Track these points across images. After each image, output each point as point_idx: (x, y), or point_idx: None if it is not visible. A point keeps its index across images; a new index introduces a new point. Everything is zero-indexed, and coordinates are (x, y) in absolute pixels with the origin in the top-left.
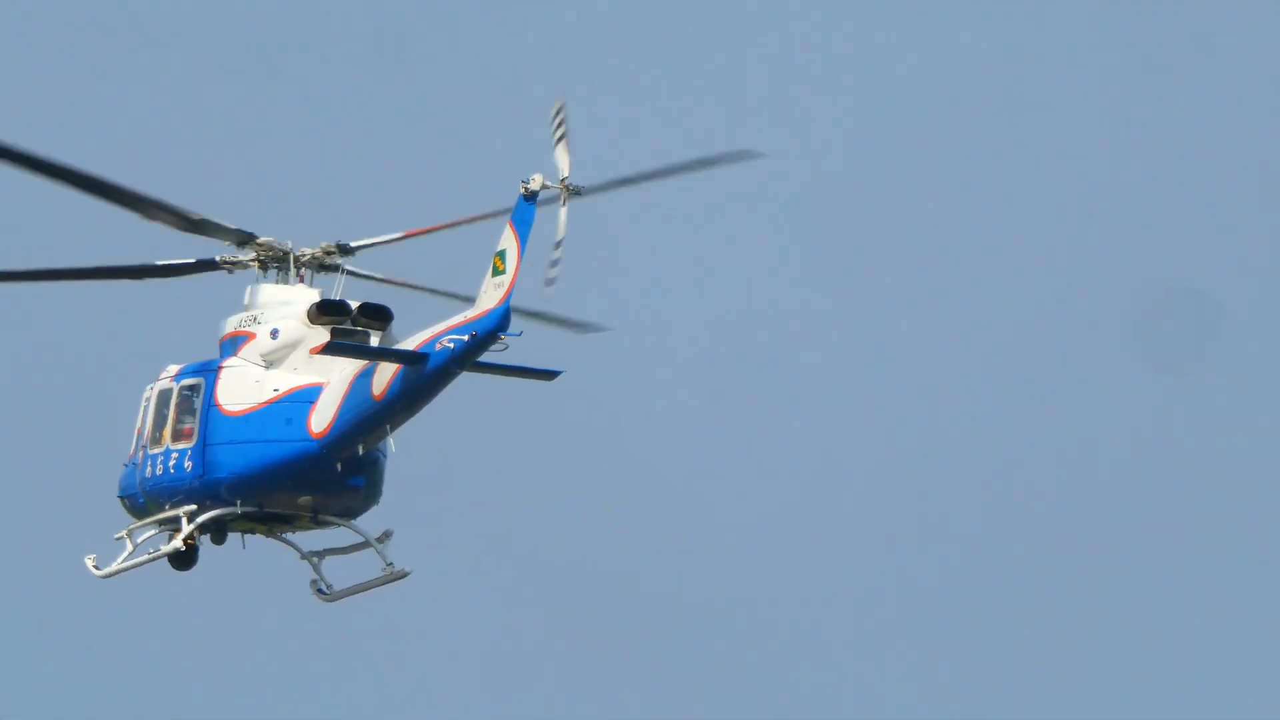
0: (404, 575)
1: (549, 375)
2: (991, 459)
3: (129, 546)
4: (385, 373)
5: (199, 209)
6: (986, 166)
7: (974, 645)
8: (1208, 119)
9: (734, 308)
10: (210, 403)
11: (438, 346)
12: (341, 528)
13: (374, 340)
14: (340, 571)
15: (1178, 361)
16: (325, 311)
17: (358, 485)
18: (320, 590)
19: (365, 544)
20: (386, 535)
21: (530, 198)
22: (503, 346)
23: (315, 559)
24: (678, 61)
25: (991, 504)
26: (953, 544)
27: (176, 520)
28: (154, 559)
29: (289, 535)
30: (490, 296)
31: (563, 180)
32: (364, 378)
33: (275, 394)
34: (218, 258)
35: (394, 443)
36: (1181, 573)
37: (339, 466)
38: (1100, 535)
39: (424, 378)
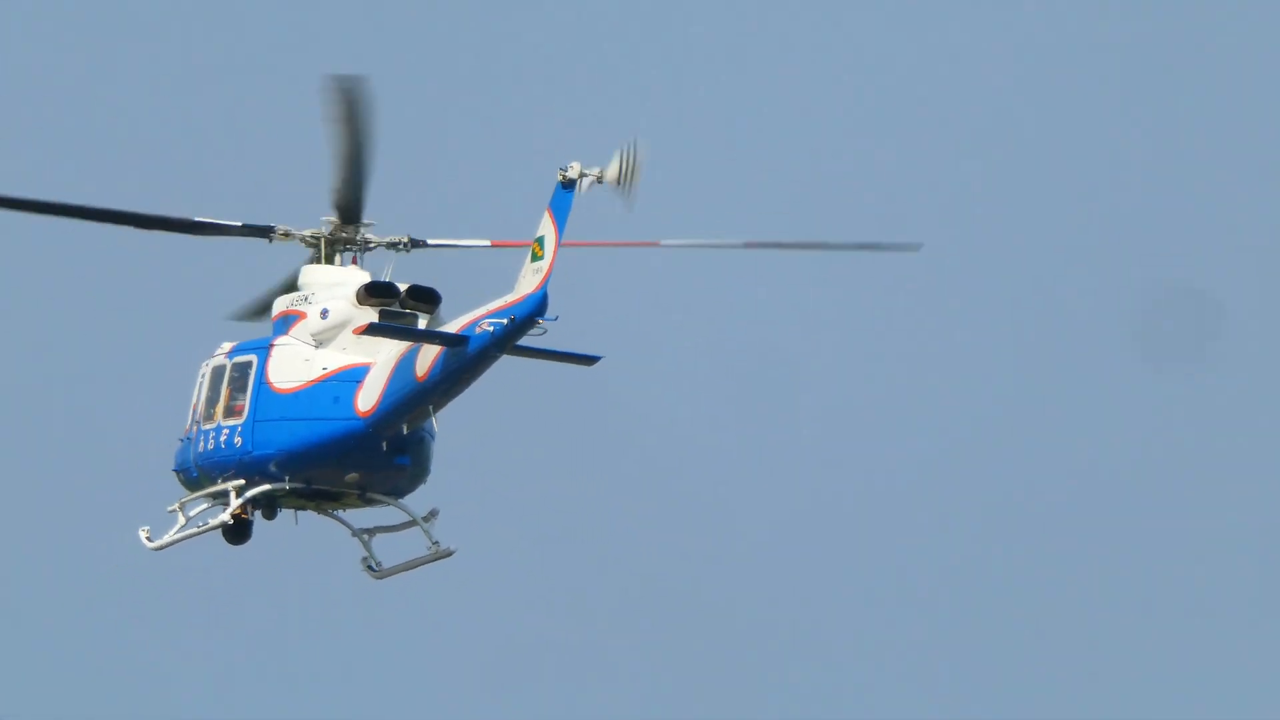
0: (449, 554)
1: (588, 360)
2: (991, 460)
3: (181, 519)
4: (428, 354)
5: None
6: (986, 166)
7: (973, 644)
8: (1207, 119)
9: (739, 307)
10: (261, 380)
11: (478, 330)
12: (389, 506)
13: (421, 323)
14: (389, 549)
15: (1178, 361)
16: (374, 293)
17: (403, 464)
18: (370, 567)
19: (412, 523)
20: (433, 514)
21: (568, 185)
22: (540, 331)
23: (365, 536)
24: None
25: (991, 505)
26: (952, 544)
27: (226, 494)
28: (203, 532)
29: (339, 513)
30: (528, 282)
31: (599, 172)
32: (408, 359)
33: (324, 373)
34: (275, 226)
35: (436, 424)
36: (1182, 573)
37: (384, 445)
38: (1100, 536)
39: (465, 360)
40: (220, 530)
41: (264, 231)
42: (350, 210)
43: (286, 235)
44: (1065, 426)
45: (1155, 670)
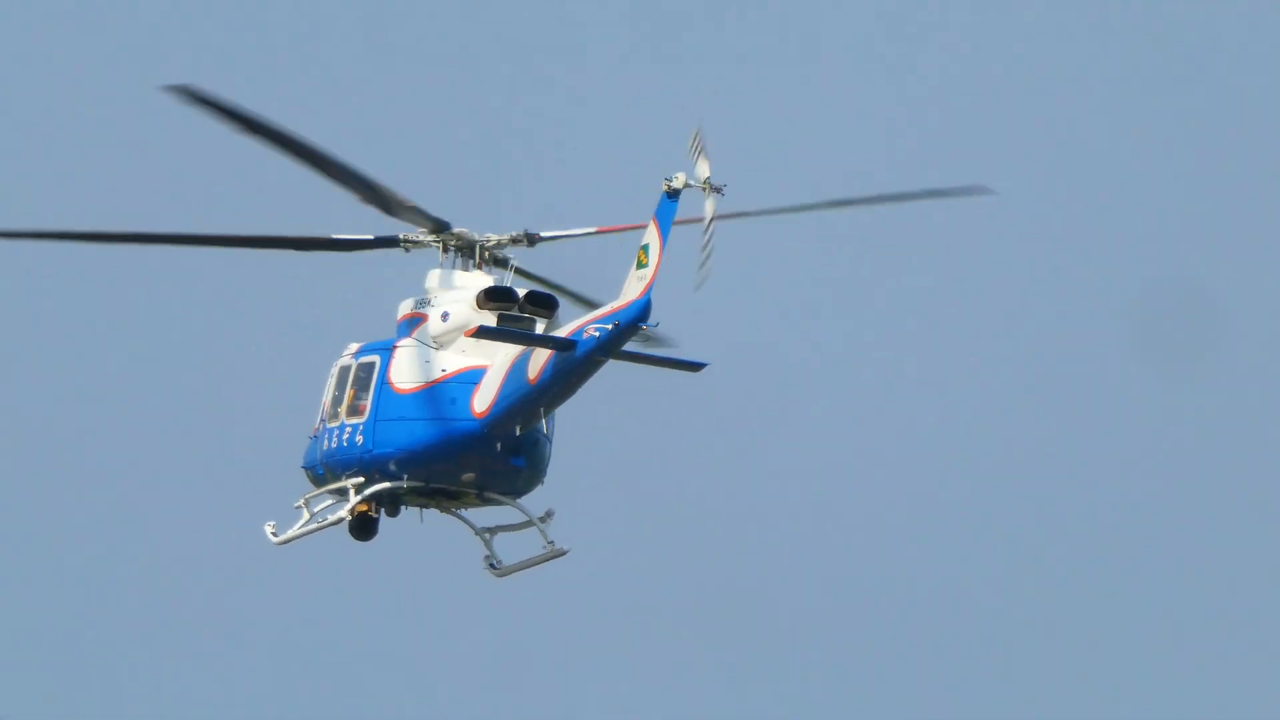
0: (563, 553)
1: (695, 367)
2: (993, 461)
3: (305, 515)
4: (539, 358)
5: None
6: (984, 166)
7: (973, 643)
8: (1207, 119)
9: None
10: (383, 380)
11: (585, 335)
12: (507, 506)
13: (539, 327)
14: (509, 548)
15: (1178, 361)
16: (492, 298)
17: (519, 465)
18: (492, 565)
19: (529, 523)
20: (548, 515)
21: (673, 195)
22: (644, 337)
23: (487, 535)
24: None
25: (992, 505)
26: (952, 545)
27: (347, 491)
28: (324, 527)
29: (462, 512)
30: (633, 288)
31: (705, 180)
32: (521, 362)
33: (443, 374)
34: (401, 236)
35: (547, 427)
36: (1182, 573)
37: (499, 446)
38: (1100, 536)
39: (572, 364)
40: (347, 526)
41: (393, 242)
42: (396, 209)
43: (416, 243)
44: (1066, 426)
45: (1155, 670)
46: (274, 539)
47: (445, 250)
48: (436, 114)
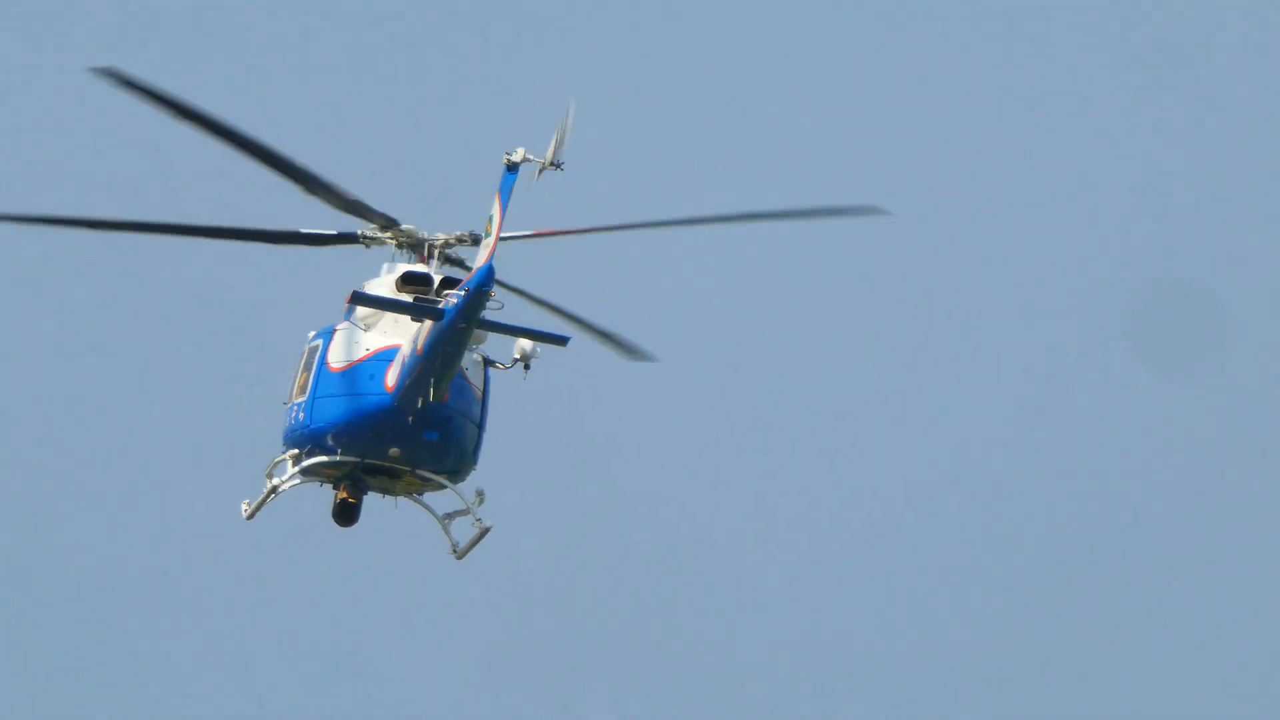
0: (488, 529)
1: (560, 341)
2: (993, 462)
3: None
4: (424, 330)
5: (354, 191)
6: (985, 167)
7: (970, 643)
8: (1208, 118)
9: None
10: (322, 361)
11: (449, 303)
12: (445, 488)
13: None
14: (463, 532)
15: (1178, 361)
16: (409, 281)
17: (431, 439)
18: (453, 549)
19: (466, 509)
20: (479, 495)
21: (511, 169)
22: (498, 305)
23: (445, 521)
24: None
25: (993, 506)
26: (951, 545)
27: (300, 465)
28: (272, 493)
29: (425, 498)
30: (479, 257)
31: (548, 159)
32: (416, 336)
33: (366, 353)
34: (359, 233)
35: (478, 410)
36: (1183, 573)
37: (410, 420)
38: (1101, 537)
39: (442, 332)
40: (330, 513)
41: (353, 238)
42: (353, 210)
43: (373, 240)
44: (1066, 426)
45: (1154, 671)
46: (244, 514)
47: (399, 247)
48: (398, 116)
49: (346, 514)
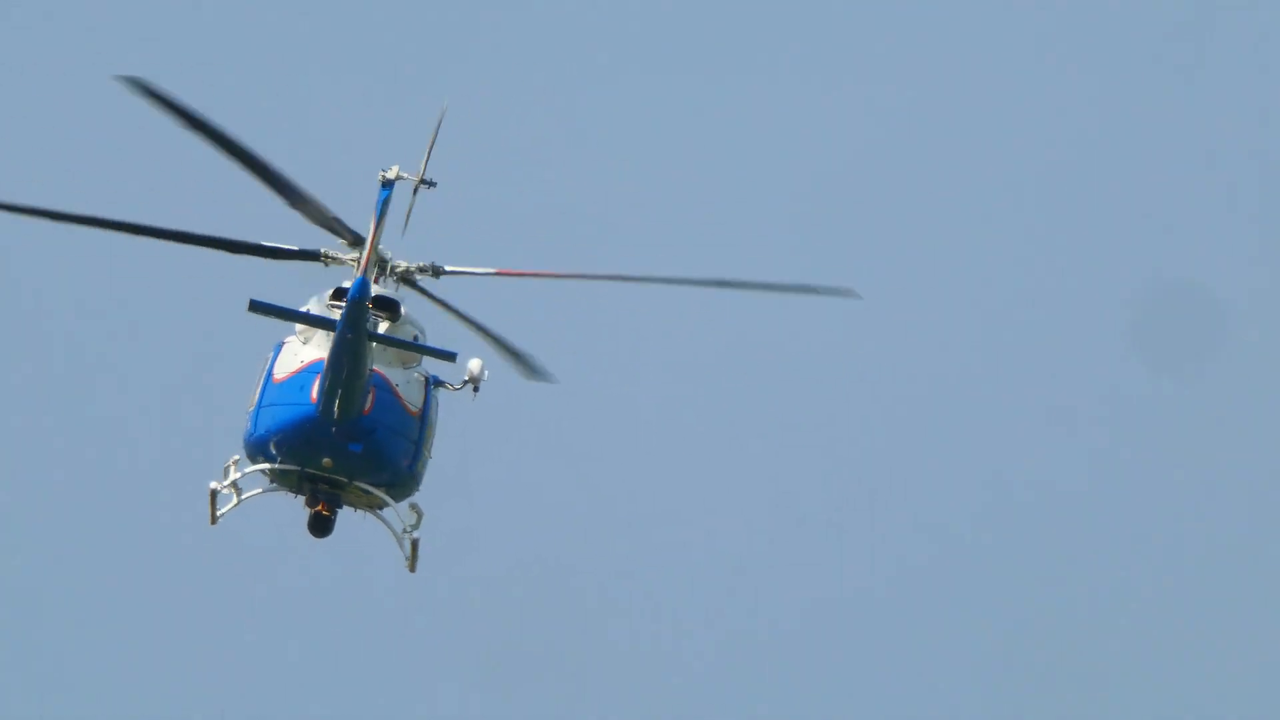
0: (416, 542)
1: (448, 356)
2: (993, 462)
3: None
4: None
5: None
6: (985, 167)
7: (969, 643)
8: (1208, 119)
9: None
10: (269, 372)
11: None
12: (384, 503)
13: (381, 328)
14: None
15: (1178, 361)
16: (338, 297)
17: (355, 450)
18: (407, 562)
19: (402, 525)
20: (413, 510)
21: (385, 185)
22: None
23: (401, 536)
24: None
25: (992, 507)
26: (949, 546)
27: (243, 470)
28: (215, 495)
29: (385, 513)
30: (356, 270)
31: (420, 177)
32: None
33: (301, 364)
34: (321, 251)
35: (407, 425)
36: (1182, 574)
37: (333, 430)
38: (1101, 537)
39: (337, 344)
40: (306, 525)
41: (315, 255)
42: (329, 226)
43: (335, 259)
44: (1066, 426)
45: (1154, 670)
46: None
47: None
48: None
49: (318, 526)
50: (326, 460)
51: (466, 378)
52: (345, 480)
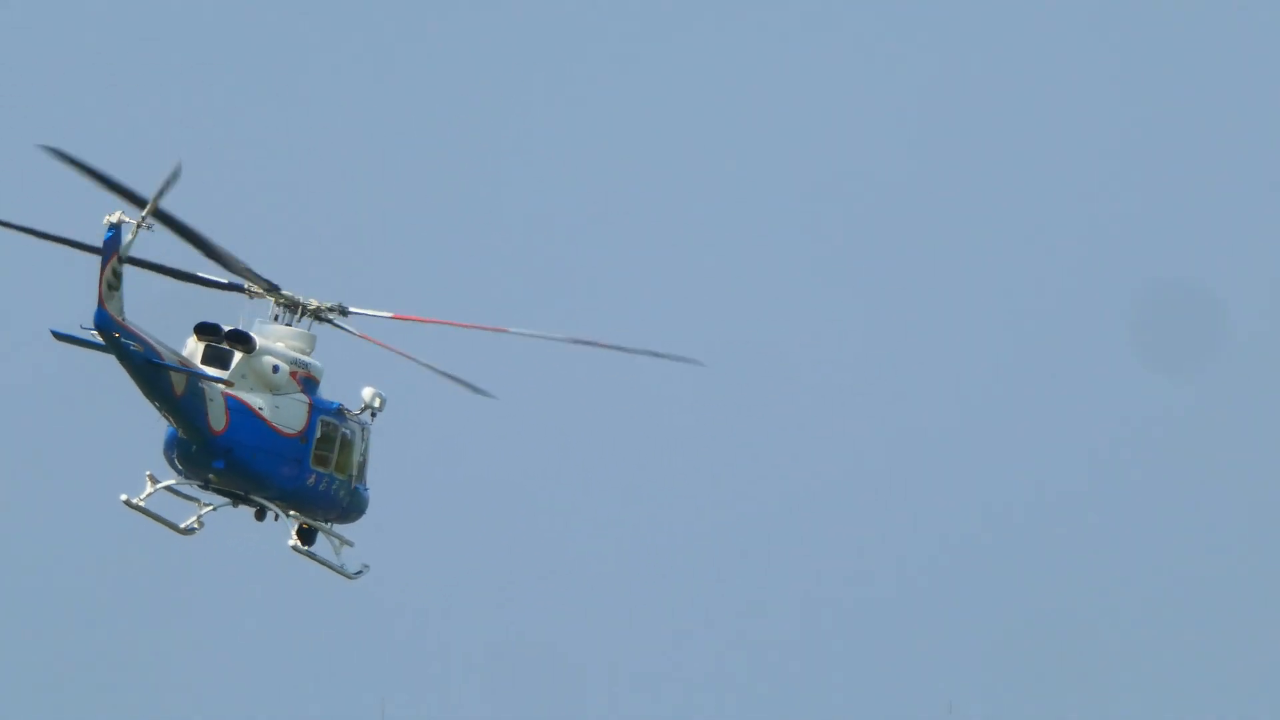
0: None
1: (227, 383)
2: (994, 461)
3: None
4: None
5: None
6: (986, 168)
7: (964, 642)
8: (1209, 119)
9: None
10: None
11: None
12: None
13: (233, 360)
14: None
15: (1178, 361)
16: (200, 331)
17: (219, 467)
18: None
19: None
20: (313, 531)
21: (111, 228)
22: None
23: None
24: None
25: (994, 506)
26: (949, 546)
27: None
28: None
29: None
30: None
31: (144, 218)
32: None
33: None
34: (246, 285)
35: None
36: (1183, 573)
37: (193, 449)
38: (1101, 537)
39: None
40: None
41: (240, 288)
42: (234, 269)
43: (256, 294)
44: (1066, 426)
45: (1155, 669)
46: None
47: (277, 305)
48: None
49: (305, 537)
50: (211, 475)
51: (364, 403)
52: (240, 493)
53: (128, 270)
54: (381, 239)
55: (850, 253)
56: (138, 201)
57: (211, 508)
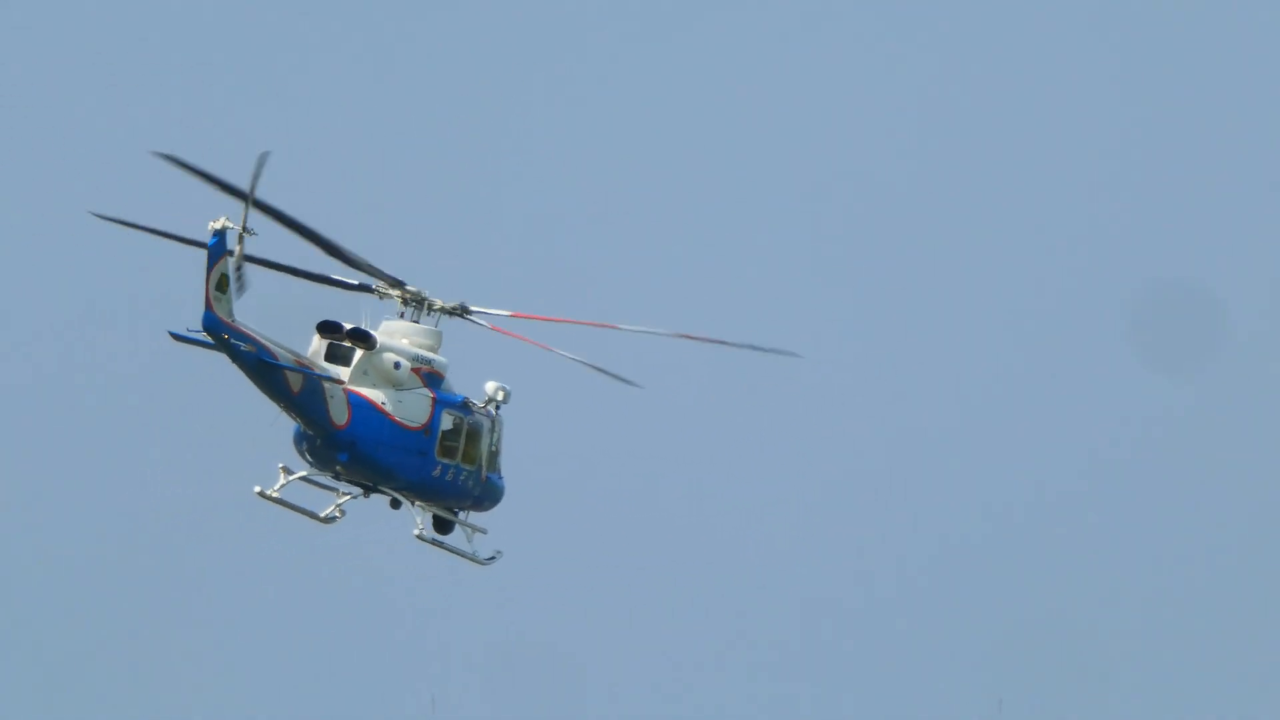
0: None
1: (336, 380)
2: (994, 461)
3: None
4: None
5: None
6: (987, 169)
7: (964, 643)
8: (1208, 119)
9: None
10: None
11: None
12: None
13: (355, 356)
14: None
15: (1178, 361)
16: (323, 330)
17: (342, 459)
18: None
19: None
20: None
21: (215, 234)
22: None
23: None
24: None
25: (994, 506)
26: (949, 546)
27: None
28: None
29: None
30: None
31: (242, 224)
32: None
33: None
34: (375, 286)
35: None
36: (1184, 573)
37: (318, 442)
38: (1101, 537)
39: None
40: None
41: (369, 289)
42: (358, 266)
43: (385, 294)
44: (1066, 426)
45: (1154, 669)
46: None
47: (404, 303)
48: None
49: (441, 526)
50: (338, 467)
51: (487, 396)
52: (370, 485)
53: (258, 272)
54: (499, 240)
55: (850, 252)
56: (259, 208)
57: (350, 496)
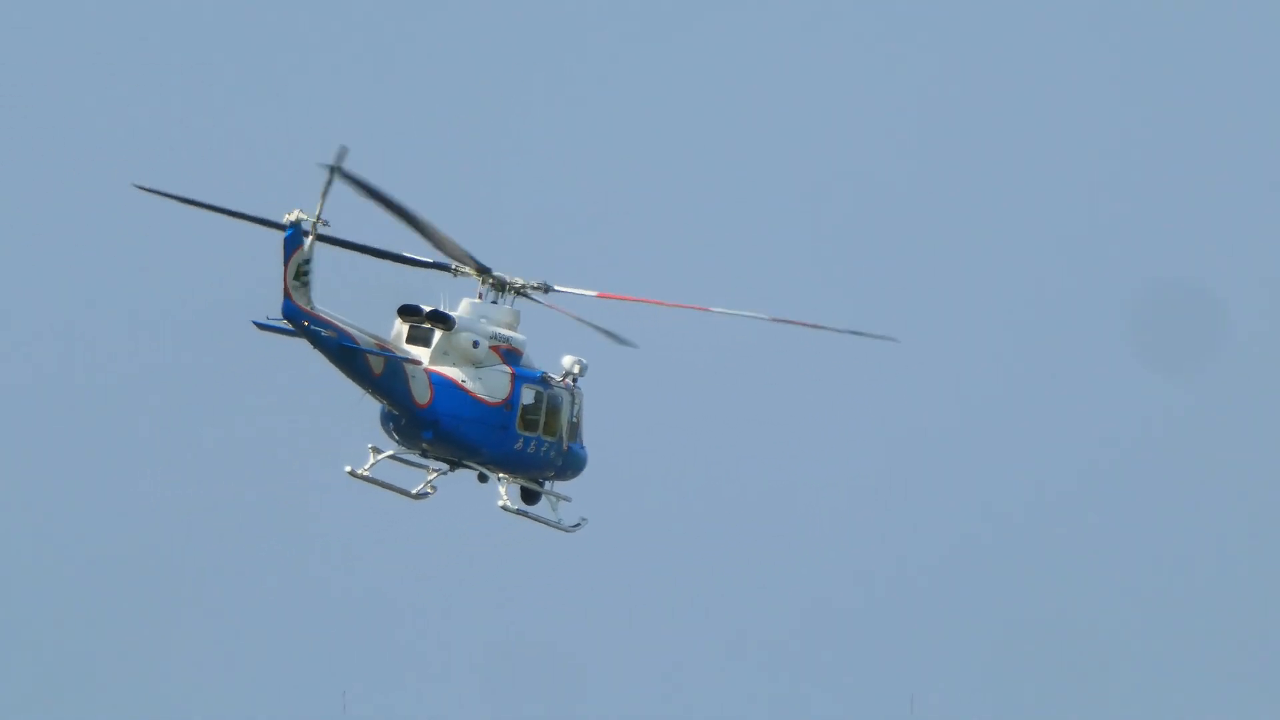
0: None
1: (414, 361)
2: (994, 461)
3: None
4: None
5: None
6: (987, 169)
7: (964, 642)
8: (1208, 119)
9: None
10: None
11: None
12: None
13: (435, 337)
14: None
15: (1178, 361)
16: (404, 312)
17: (428, 437)
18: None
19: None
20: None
21: (289, 226)
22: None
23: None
24: None
25: (994, 506)
26: (949, 546)
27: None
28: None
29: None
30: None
31: (316, 217)
32: None
33: None
34: (452, 264)
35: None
36: (1184, 573)
37: (405, 421)
38: (1101, 537)
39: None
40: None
41: (446, 268)
42: (453, 254)
43: (461, 272)
44: (1066, 426)
45: (1154, 668)
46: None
47: (484, 284)
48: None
49: (528, 497)
50: (424, 445)
51: (565, 369)
52: (455, 460)
53: (340, 255)
54: (588, 220)
55: (850, 252)
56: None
57: (439, 472)
